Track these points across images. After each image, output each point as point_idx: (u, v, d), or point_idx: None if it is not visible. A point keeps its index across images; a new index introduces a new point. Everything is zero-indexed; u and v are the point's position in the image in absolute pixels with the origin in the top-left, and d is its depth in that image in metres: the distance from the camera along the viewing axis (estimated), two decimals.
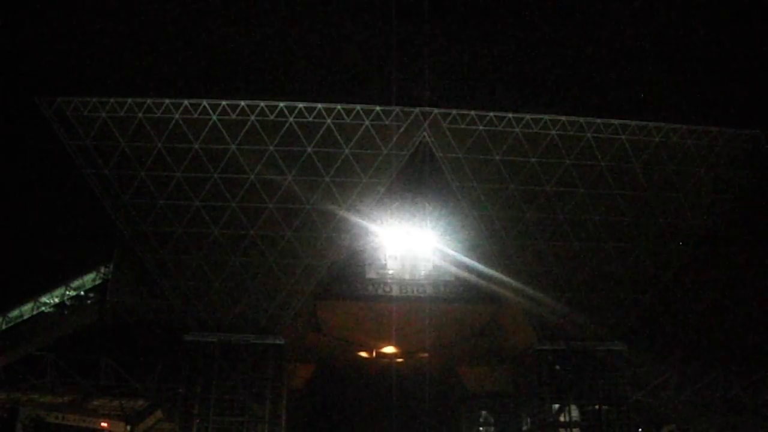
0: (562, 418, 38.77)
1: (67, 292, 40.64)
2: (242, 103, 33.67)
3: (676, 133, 35.75)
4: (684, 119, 36.12)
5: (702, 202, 37.26)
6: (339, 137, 34.16)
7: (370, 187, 35.15)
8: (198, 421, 36.59)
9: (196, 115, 33.64)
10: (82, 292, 40.99)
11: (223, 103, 33.63)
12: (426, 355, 48.69)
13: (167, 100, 33.54)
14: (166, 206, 34.96)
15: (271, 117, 33.80)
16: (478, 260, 38.50)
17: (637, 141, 35.47)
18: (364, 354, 49.23)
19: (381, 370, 50.65)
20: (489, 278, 38.61)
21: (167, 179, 34.51)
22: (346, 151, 34.40)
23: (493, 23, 41.21)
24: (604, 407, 38.40)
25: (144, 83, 36.50)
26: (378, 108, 34.13)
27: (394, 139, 34.51)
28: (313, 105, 33.81)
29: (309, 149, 34.24)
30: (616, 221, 36.66)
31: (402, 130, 34.46)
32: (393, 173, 35.23)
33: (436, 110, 34.54)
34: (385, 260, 42.68)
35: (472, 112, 34.58)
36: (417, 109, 34.48)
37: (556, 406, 38.92)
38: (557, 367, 38.92)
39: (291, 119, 33.87)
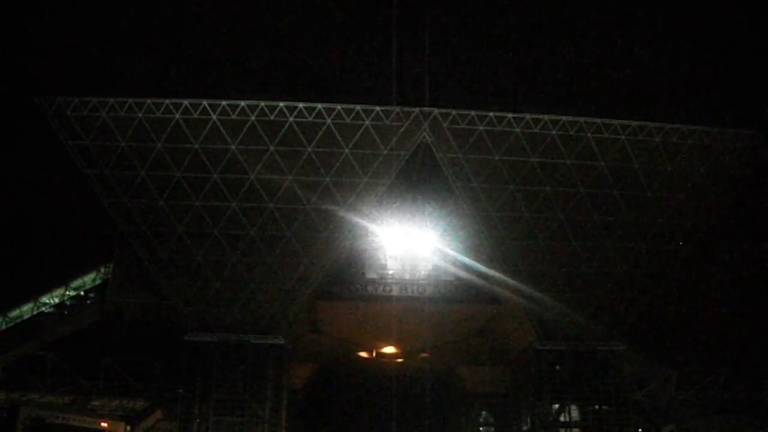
0: (562, 418, 38.77)
1: (67, 292, 40.74)
2: (242, 103, 33.65)
3: (676, 133, 35.75)
4: (684, 119, 36.14)
5: (702, 202, 37.26)
6: (339, 137, 34.15)
7: (370, 187, 35.13)
8: (198, 421, 36.63)
9: (196, 115, 33.63)
10: (82, 292, 41.06)
11: (223, 103, 33.62)
12: (426, 355, 48.67)
13: (167, 100, 33.53)
14: (166, 206, 34.98)
15: (271, 117, 33.79)
16: (478, 260, 38.48)
17: (637, 141, 35.46)
18: (364, 354, 49.21)
19: (381, 370, 50.64)
20: (489, 278, 38.60)
21: (167, 179, 34.51)
22: (346, 151, 34.39)
23: (493, 23, 41.20)
24: (604, 407, 38.39)
25: (144, 83, 36.44)
26: (378, 108, 34.12)
27: (394, 139, 34.51)
28: (313, 105, 33.79)
29: (309, 149, 34.23)
30: (616, 221, 36.67)
31: (402, 130, 34.45)
32: (393, 173, 35.21)
33: (436, 110, 34.53)
34: (385, 260, 42.63)
35: (472, 112, 34.58)
36: (417, 109, 34.48)
37: (556, 406, 38.92)
38: (557, 367, 38.89)
39: (291, 119, 33.86)
